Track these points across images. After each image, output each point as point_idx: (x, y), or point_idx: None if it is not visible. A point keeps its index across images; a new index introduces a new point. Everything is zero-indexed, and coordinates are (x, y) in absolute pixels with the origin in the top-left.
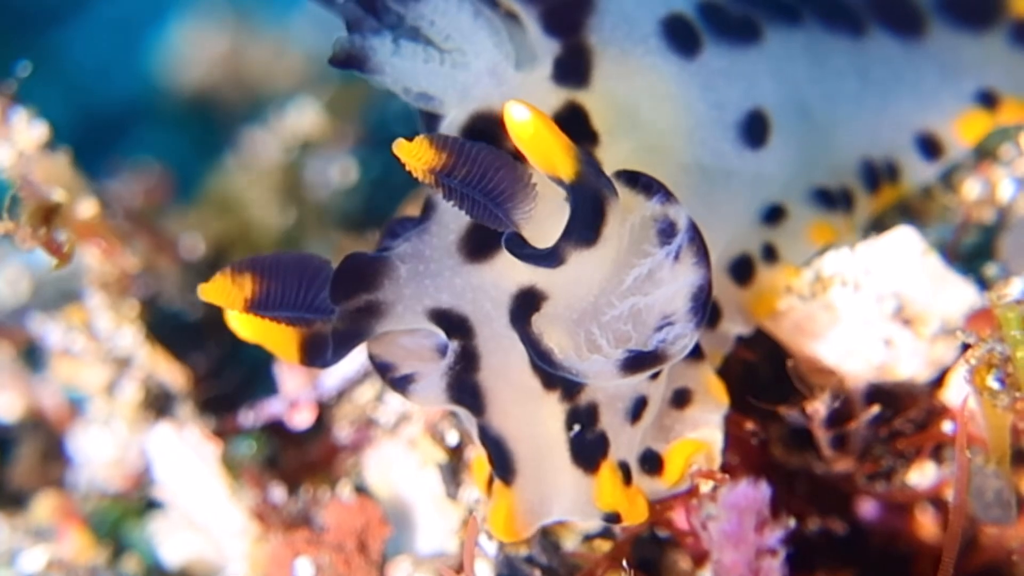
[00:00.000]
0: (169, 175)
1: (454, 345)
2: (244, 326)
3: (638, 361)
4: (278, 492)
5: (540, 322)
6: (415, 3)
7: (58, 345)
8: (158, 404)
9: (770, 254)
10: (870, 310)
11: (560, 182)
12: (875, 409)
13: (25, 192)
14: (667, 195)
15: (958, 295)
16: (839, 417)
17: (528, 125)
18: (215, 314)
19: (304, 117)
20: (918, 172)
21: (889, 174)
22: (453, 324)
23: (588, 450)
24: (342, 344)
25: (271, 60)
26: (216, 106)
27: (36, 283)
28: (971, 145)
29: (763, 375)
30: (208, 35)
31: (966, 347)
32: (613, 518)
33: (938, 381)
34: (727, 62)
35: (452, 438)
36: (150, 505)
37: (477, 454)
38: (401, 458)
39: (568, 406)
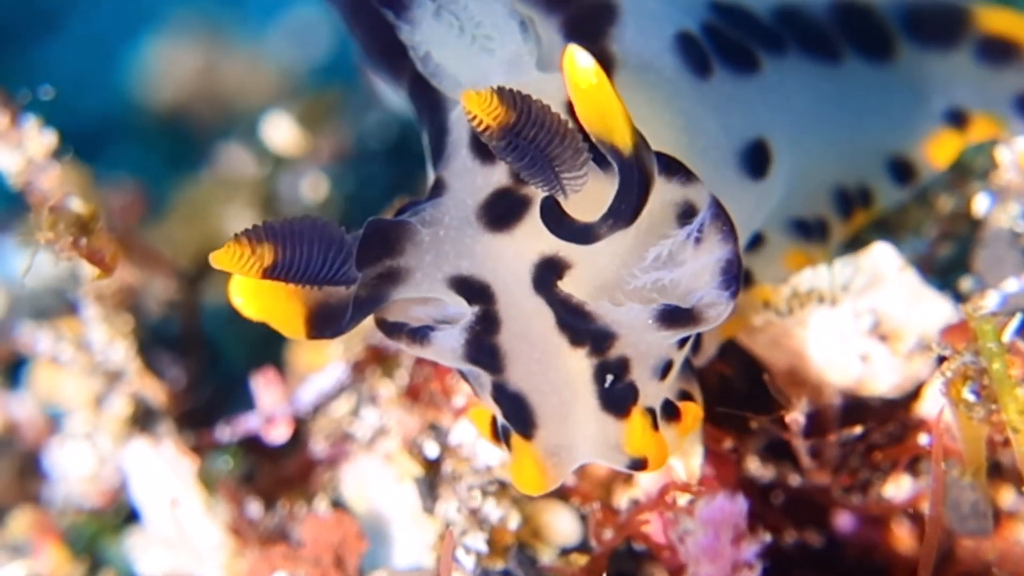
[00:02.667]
0: (144, 191)
1: (475, 309)
2: (250, 303)
3: (675, 315)
4: (255, 507)
5: (566, 286)
6: None
7: (46, 354)
8: (142, 420)
9: (746, 278)
10: (847, 326)
11: (613, 150)
12: (855, 429)
13: (38, 200)
14: (687, 175)
15: (934, 311)
16: (816, 430)
17: (591, 74)
18: (193, 328)
19: (279, 132)
20: (890, 196)
21: (862, 200)
22: (474, 290)
23: (618, 397)
24: (360, 310)
25: (246, 75)
26: (191, 121)
27: (12, 298)
28: (943, 167)
29: (739, 389)
30: (182, 51)
31: (942, 359)
32: (639, 464)
33: (914, 395)
34: (733, 88)
35: (430, 451)
36: (127, 520)
37: (476, 407)
38: (378, 473)
39: (597, 360)
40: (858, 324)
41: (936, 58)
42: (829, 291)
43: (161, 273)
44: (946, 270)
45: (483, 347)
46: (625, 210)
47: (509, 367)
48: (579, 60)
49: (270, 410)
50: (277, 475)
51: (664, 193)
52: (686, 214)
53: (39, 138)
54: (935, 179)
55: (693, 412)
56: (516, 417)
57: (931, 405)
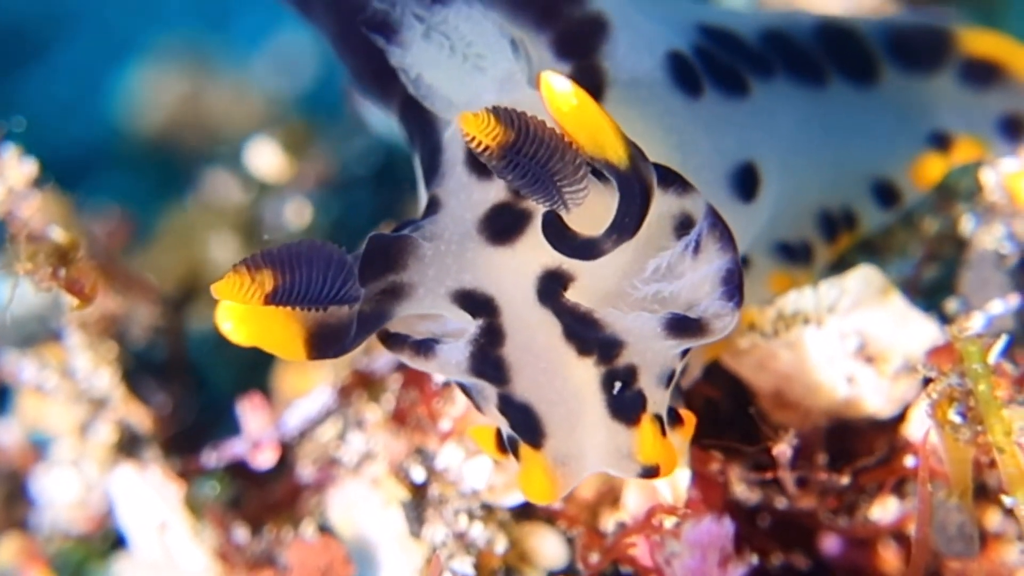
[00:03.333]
0: (129, 217)
1: (479, 322)
2: (240, 328)
3: (683, 325)
4: (241, 532)
5: (571, 297)
6: (440, 7)
7: (31, 382)
8: (128, 446)
9: None
10: (833, 348)
11: (608, 166)
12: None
13: (18, 230)
14: (683, 185)
15: (920, 333)
16: (802, 453)
17: (570, 96)
18: (178, 354)
19: (264, 159)
20: (875, 219)
21: (846, 223)
22: (478, 304)
23: (628, 405)
24: (365, 327)
25: (231, 102)
26: (176, 148)
27: None
28: (927, 189)
29: (725, 411)
30: (168, 78)
31: (928, 381)
32: (652, 472)
33: (900, 417)
34: (724, 110)
35: (417, 475)
36: (114, 546)
37: (475, 427)
38: (364, 497)
39: (604, 369)
40: (844, 346)
41: (920, 81)
42: (815, 313)
43: (146, 299)
44: (932, 292)
45: (488, 359)
46: (629, 223)
47: (515, 378)
48: (555, 85)
49: (256, 435)
50: (264, 500)
51: (660, 204)
52: (683, 225)
53: (19, 167)
54: (920, 201)
55: (691, 419)
56: (524, 427)
57: (917, 427)
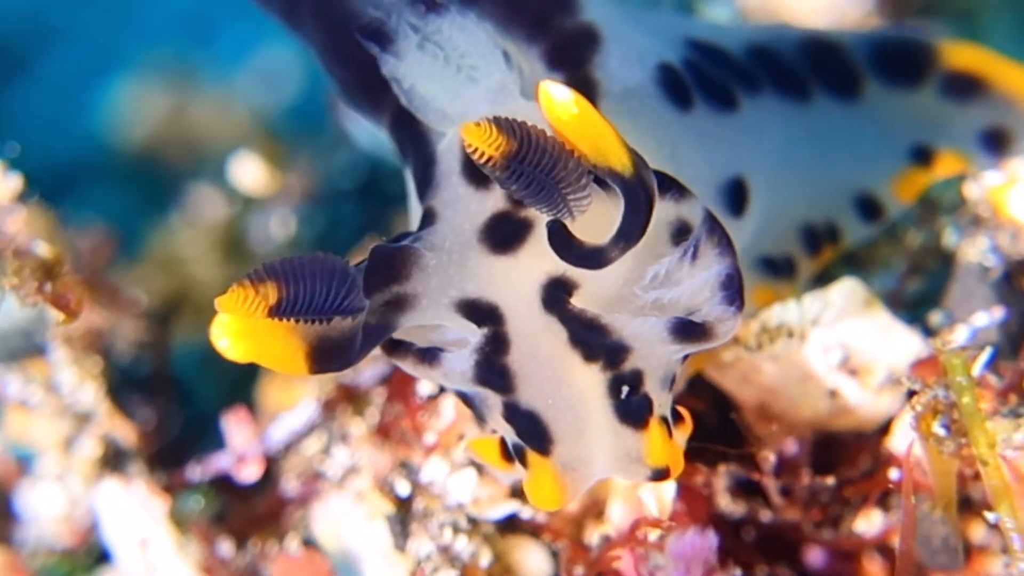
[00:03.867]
0: (114, 232)
1: (484, 331)
2: (237, 344)
3: (688, 329)
4: (226, 546)
5: (576, 303)
6: (435, 16)
7: (15, 397)
8: (113, 461)
9: None
10: (817, 361)
11: (612, 173)
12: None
13: (4, 244)
14: (680, 191)
15: (904, 345)
16: (786, 466)
17: (571, 105)
18: (163, 368)
19: (248, 173)
20: (858, 233)
21: (830, 236)
22: (482, 313)
23: (635, 409)
24: (370, 338)
25: (216, 117)
26: (161, 163)
27: None
28: (909, 203)
29: (709, 424)
30: (153, 93)
31: (912, 394)
32: (662, 474)
33: (884, 429)
34: (714, 123)
35: (401, 489)
36: (98, 561)
37: (476, 439)
38: (349, 511)
39: (611, 374)
40: (828, 359)
41: (903, 95)
42: (798, 325)
43: (130, 314)
44: (915, 304)
45: (493, 368)
46: (635, 230)
47: (520, 386)
48: (555, 94)
49: (241, 449)
50: (248, 514)
51: (658, 211)
52: (680, 232)
53: (4, 181)
54: (904, 214)
55: (689, 416)
56: (531, 434)
57: (901, 439)
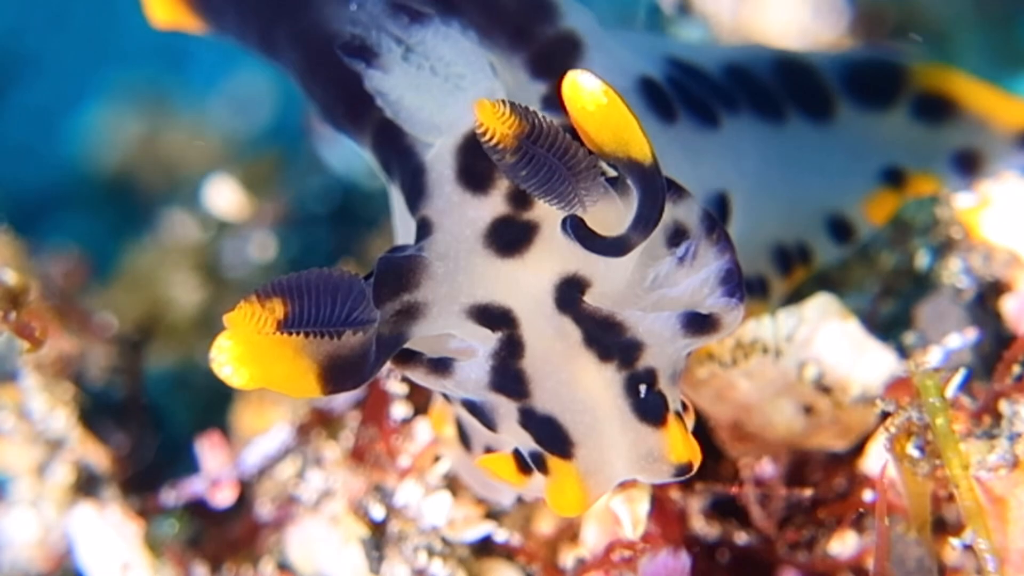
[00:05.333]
0: (87, 258)
1: (499, 335)
2: (241, 371)
3: (697, 321)
4: (201, 571)
5: (590, 300)
6: (419, 27)
7: None
8: (86, 486)
9: None
10: (791, 377)
11: (631, 162)
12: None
13: None
14: (678, 191)
15: (878, 362)
16: (760, 484)
17: (601, 94)
18: (136, 393)
19: (222, 197)
20: (829, 254)
21: (801, 257)
22: (495, 318)
23: (652, 407)
24: (384, 350)
25: (188, 142)
26: (135, 188)
27: None
28: (881, 224)
29: None
30: (126, 119)
31: (885, 415)
32: (685, 469)
33: (858, 449)
34: (698, 138)
35: (376, 512)
36: None
37: (488, 456)
38: (323, 535)
39: (626, 373)
40: (802, 375)
41: (874, 117)
42: (773, 342)
43: (102, 339)
44: (889, 326)
45: (509, 373)
46: (653, 214)
47: (536, 391)
48: (584, 83)
49: (215, 473)
50: (223, 538)
51: None
52: (677, 234)
53: None
54: (877, 236)
55: (691, 405)
56: (551, 439)
57: (875, 461)
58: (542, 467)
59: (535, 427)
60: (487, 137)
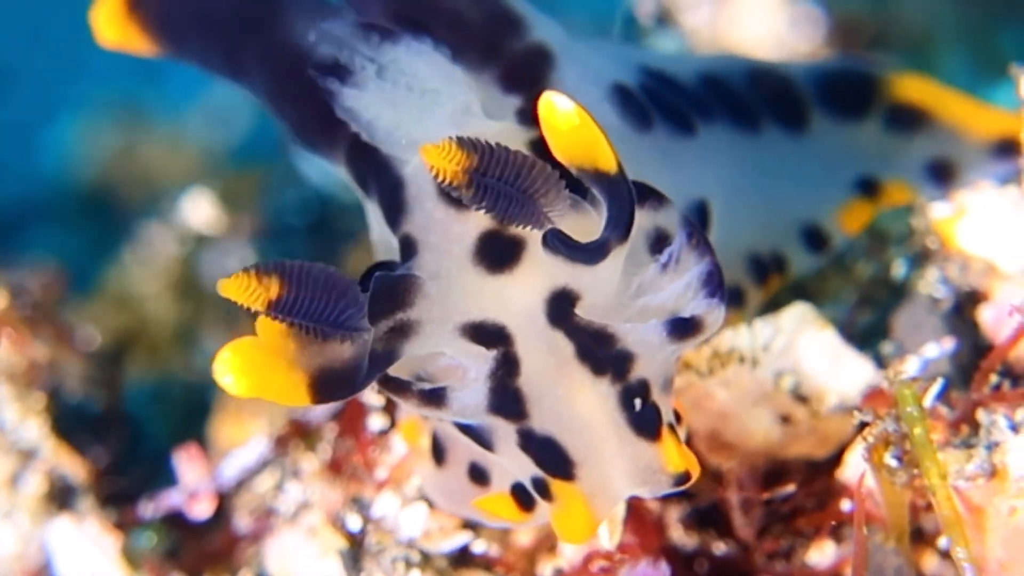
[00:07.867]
0: (64, 272)
1: (494, 353)
2: (240, 381)
3: (681, 326)
4: None
5: (581, 313)
6: (390, 45)
7: None
8: (61, 497)
9: None
10: (768, 386)
11: (597, 174)
12: (781, 489)
13: None
14: (658, 199)
15: (855, 371)
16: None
17: (573, 115)
18: (114, 406)
19: (199, 210)
20: (804, 264)
21: (776, 266)
22: (489, 335)
23: (647, 419)
24: (376, 365)
25: (166, 155)
26: (112, 202)
27: None
28: (855, 234)
29: None
30: (103, 133)
31: (863, 425)
32: (684, 479)
33: (836, 459)
34: (676, 146)
35: (353, 524)
36: None
37: (490, 496)
38: (301, 547)
39: (620, 387)
40: (779, 384)
41: (848, 127)
42: (750, 351)
43: (79, 352)
44: (866, 336)
45: (507, 393)
46: (623, 215)
47: (533, 410)
48: (558, 104)
49: (193, 486)
50: (201, 551)
51: (638, 220)
52: (659, 241)
53: None
54: (853, 246)
55: (684, 411)
56: (552, 462)
57: (853, 471)
58: (546, 494)
59: (535, 450)
60: (438, 178)
